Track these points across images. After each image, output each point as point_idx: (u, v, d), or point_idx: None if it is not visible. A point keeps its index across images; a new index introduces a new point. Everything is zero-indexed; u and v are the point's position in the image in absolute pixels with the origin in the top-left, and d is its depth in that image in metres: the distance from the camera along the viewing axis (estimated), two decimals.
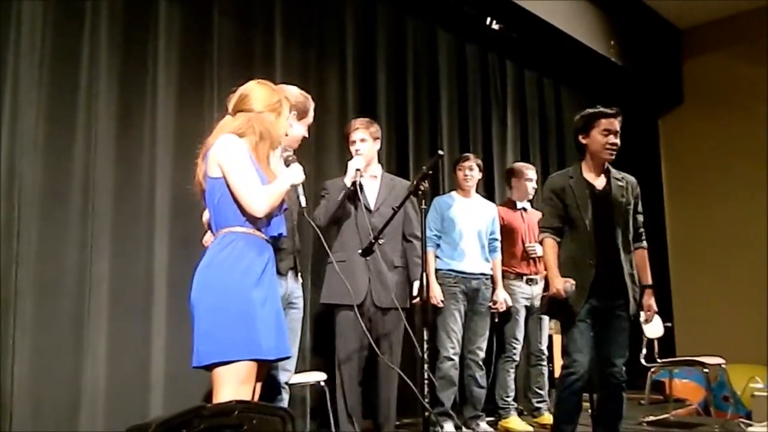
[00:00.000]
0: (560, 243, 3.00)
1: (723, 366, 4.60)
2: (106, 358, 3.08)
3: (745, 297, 6.07)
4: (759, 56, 6.36)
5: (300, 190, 2.37)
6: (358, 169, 3.26)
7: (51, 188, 3.01)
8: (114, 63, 3.27)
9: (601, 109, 3.02)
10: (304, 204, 2.40)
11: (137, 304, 3.23)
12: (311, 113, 2.83)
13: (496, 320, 4.16)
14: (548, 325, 4.39)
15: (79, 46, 3.17)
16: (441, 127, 5.07)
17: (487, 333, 4.02)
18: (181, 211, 3.36)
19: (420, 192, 2.64)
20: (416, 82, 4.93)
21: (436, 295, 3.75)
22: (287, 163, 2.33)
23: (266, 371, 2.23)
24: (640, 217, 3.10)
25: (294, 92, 2.78)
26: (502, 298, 4.08)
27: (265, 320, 2.04)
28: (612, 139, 2.96)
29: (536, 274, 4.22)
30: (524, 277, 4.24)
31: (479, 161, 4.16)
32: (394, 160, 4.57)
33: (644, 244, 3.10)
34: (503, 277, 4.16)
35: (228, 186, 2.08)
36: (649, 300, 3.04)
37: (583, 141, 3.02)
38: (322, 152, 4.14)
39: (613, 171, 3.05)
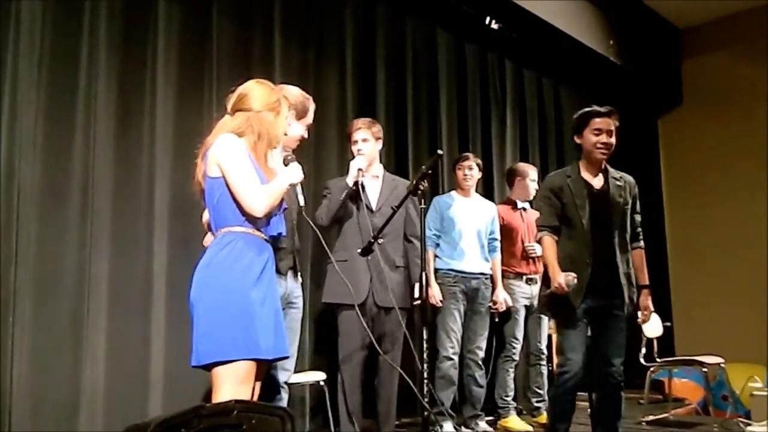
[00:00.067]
0: (558, 242, 3.00)
1: (722, 365, 4.61)
2: (105, 357, 3.08)
3: (745, 297, 6.07)
4: (759, 56, 6.36)
5: (299, 189, 2.38)
6: (360, 169, 3.27)
7: (50, 188, 3.01)
8: (113, 63, 3.27)
9: (594, 108, 3.03)
10: (302, 203, 2.41)
11: (136, 303, 3.23)
12: (311, 114, 2.83)
13: (496, 320, 4.17)
14: (548, 325, 4.39)
15: (78, 46, 3.16)
16: (440, 127, 5.07)
17: (487, 332, 4.03)
18: (181, 211, 3.36)
19: (419, 191, 2.64)
20: (415, 82, 4.93)
21: (435, 294, 3.76)
22: (286, 163, 2.33)
23: (265, 371, 2.23)
24: (638, 217, 3.10)
25: (294, 92, 2.78)
26: (502, 298, 4.08)
27: (264, 320, 2.05)
28: (604, 138, 2.96)
29: (536, 273, 4.22)
30: (524, 277, 4.24)
31: (479, 161, 4.17)
32: (393, 160, 4.57)
33: (642, 244, 3.10)
34: (503, 276, 4.16)
35: (227, 185, 2.08)
36: (646, 300, 3.04)
37: (578, 141, 3.04)
38: (321, 152, 4.14)
39: (612, 170, 3.05)
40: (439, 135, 5.05)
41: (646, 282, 3.07)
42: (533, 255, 4.20)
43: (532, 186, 4.31)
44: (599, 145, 2.96)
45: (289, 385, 2.74)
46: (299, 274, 2.81)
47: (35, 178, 2.96)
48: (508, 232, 4.24)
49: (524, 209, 4.34)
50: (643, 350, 4.56)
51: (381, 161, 3.57)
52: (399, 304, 3.29)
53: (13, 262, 2.84)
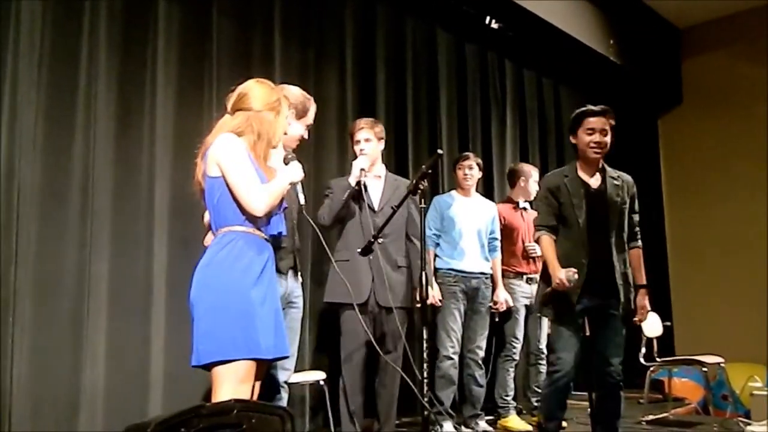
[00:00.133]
0: (555, 241, 3.00)
1: (722, 365, 4.61)
2: (105, 357, 3.08)
3: (745, 296, 6.07)
4: (758, 56, 6.36)
5: (299, 188, 2.37)
6: (362, 169, 3.27)
7: (50, 188, 3.01)
8: (113, 63, 3.27)
9: (587, 108, 3.04)
10: (303, 202, 2.40)
11: (136, 303, 3.23)
12: (311, 114, 2.83)
13: (497, 320, 4.17)
14: (548, 324, 4.39)
15: (78, 46, 3.16)
16: (440, 127, 5.07)
17: (487, 332, 4.03)
18: (181, 211, 3.36)
19: (419, 191, 2.65)
20: (415, 82, 4.93)
21: (434, 295, 3.75)
22: (286, 162, 2.33)
23: (265, 370, 2.24)
24: (636, 217, 3.09)
25: (295, 92, 2.78)
26: (502, 298, 4.08)
27: (264, 319, 2.05)
28: (597, 137, 2.96)
29: (536, 273, 4.21)
30: (524, 276, 4.24)
31: (479, 160, 4.17)
32: (393, 160, 4.57)
33: (639, 243, 3.10)
34: (503, 276, 4.17)
35: (227, 185, 2.08)
36: (643, 300, 3.04)
37: (573, 141, 3.06)
38: (321, 152, 4.14)
39: (609, 170, 3.05)
40: (439, 135, 5.05)
41: (644, 282, 3.06)
42: (534, 255, 4.20)
43: (534, 187, 4.31)
44: (592, 145, 2.97)
45: (289, 384, 2.74)
46: (299, 273, 2.81)
47: (35, 178, 2.96)
48: (509, 232, 4.24)
49: (525, 209, 4.34)
50: (643, 350, 4.56)
51: (383, 161, 3.57)
52: (401, 304, 3.31)
53: (13, 261, 2.84)
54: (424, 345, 2.54)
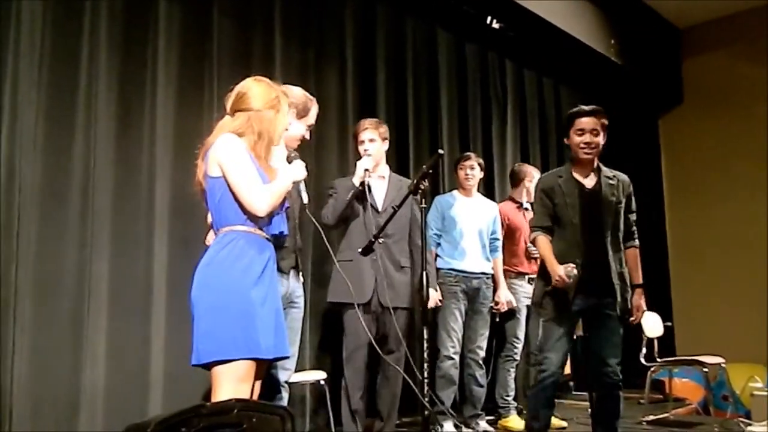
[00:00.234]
0: (551, 241, 3.00)
1: (722, 365, 4.61)
2: (105, 357, 3.08)
3: (745, 296, 6.07)
4: (759, 56, 6.36)
5: (302, 186, 2.36)
6: (366, 169, 3.27)
7: (50, 188, 3.00)
8: (113, 63, 3.27)
9: (578, 108, 3.05)
10: (306, 201, 2.39)
11: (137, 303, 3.23)
12: (313, 114, 2.83)
13: (497, 320, 4.17)
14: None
15: (79, 45, 3.16)
16: (441, 127, 5.07)
17: (487, 332, 4.03)
18: (181, 211, 3.36)
19: (420, 191, 2.65)
20: (416, 82, 4.93)
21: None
22: (289, 160, 2.33)
23: (265, 370, 2.23)
24: (633, 216, 3.09)
25: (297, 92, 2.78)
26: (503, 298, 4.08)
27: (265, 319, 2.05)
28: (587, 138, 2.96)
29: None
30: (526, 276, 4.24)
31: (480, 160, 4.17)
32: (394, 160, 4.57)
33: (636, 243, 3.09)
34: (505, 276, 4.16)
35: (228, 185, 2.08)
36: (639, 300, 3.02)
37: (566, 142, 3.07)
38: (321, 152, 4.14)
39: (605, 170, 3.05)
40: (440, 134, 5.05)
41: (640, 281, 3.05)
42: (535, 255, 4.20)
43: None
44: (582, 145, 2.97)
45: (290, 384, 2.74)
46: (301, 273, 2.81)
47: (36, 178, 2.96)
48: (511, 232, 4.24)
49: (527, 209, 4.34)
50: (644, 350, 4.56)
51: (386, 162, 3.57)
52: (403, 305, 3.31)
53: (13, 262, 2.84)
54: (425, 345, 2.54)
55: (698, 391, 5.33)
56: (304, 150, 3.15)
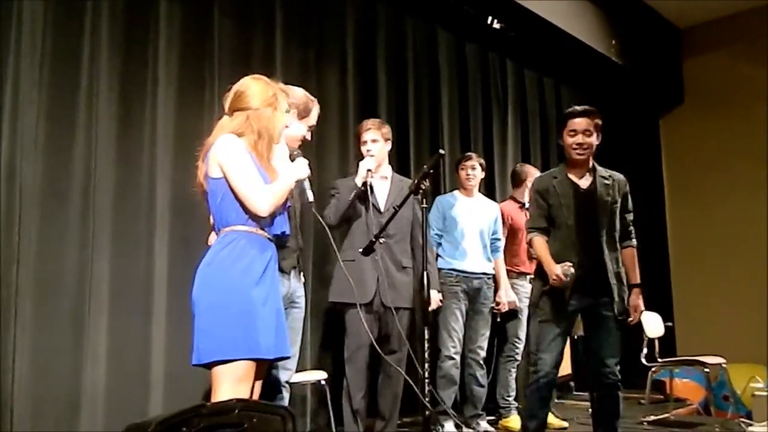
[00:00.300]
0: (547, 242, 3.00)
1: (723, 365, 4.61)
2: (106, 357, 3.08)
3: (746, 297, 6.06)
4: (759, 56, 6.36)
5: (306, 184, 2.34)
6: (369, 170, 3.27)
7: (51, 188, 3.01)
8: (114, 63, 3.27)
9: (571, 109, 3.06)
10: (311, 199, 2.36)
11: (137, 303, 3.23)
12: (314, 115, 2.82)
13: (499, 320, 4.16)
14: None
15: (80, 45, 3.16)
16: (442, 127, 5.07)
17: (488, 332, 4.02)
18: (182, 211, 3.36)
19: (421, 191, 2.65)
20: (417, 82, 4.93)
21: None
22: (292, 158, 2.32)
23: (266, 370, 2.23)
24: (629, 216, 3.08)
25: (298, 93, 2.77)
26: (504, 298, 4.07)
27: (266, 319, 2.04)
28: (579, 138, 2.96)
29: None
30: (527, 276, 4.23)
31: (482, 161, 4.17)
32: (395, 160, 4.56)
33: (633, 242, 3.08)
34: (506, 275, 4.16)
35: (229, 186, 2.08)
36: (637, 299, 3.01)
37: (561, 143, 3.07)
38: (322, 152, 4.14)
39: (600, 170, 3.05)
40: (441, 134, 5.05)
41: (638, 281, 3.04)
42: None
43: None
44: (575, 146, 2.97)
45: (291, 384, 2.74)
46: (302, 273, 2.81)
47: (36, 178, 2.96)
48: (513, 232, 4.24)
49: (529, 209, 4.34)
50: (645, 350, 4.56)
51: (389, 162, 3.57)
52: (405, 305, 3.31)
53: (14, 261, 2.84)
54: (426, 345, 2.54)
55: (699, 391, 5.32)
56: (305, 150, 3.14)
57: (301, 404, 3.78)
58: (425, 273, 2.59)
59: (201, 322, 2.02)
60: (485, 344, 4.01)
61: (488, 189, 5.07)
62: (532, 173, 4.39)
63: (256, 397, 2.12)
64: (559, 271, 2.84)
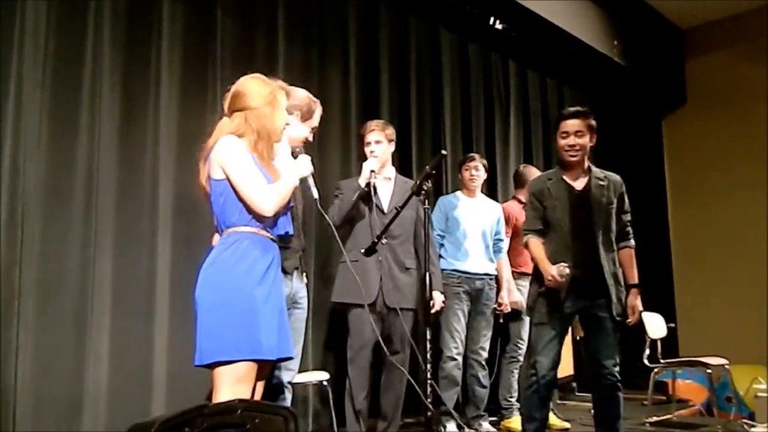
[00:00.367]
0: (544, 244, 3.01)
1: (726, 367, 4.60)
2: (108, 356, 3.08)
3: (749, 298, 6.05)
4: (762, 56, 6.36)
5: (311, 181, 2.31)
6: (372, 171, 3.28)
7: (54, 187, 3.01)
8: (117, 63, 3.28)
9: (564, 110, 3.07)
10: (316, 195, 2.32)
11: (140, 303, 3.23)
12: (317, 116, 2.82)
13: (501, 321, 4.16)
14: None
15: (83, 45, 3.17)
16: (444, 127, 5.07)
17: (490, 333, 4.02)
18: (184, 211, 3.37)
19: (423, 191, 2.64)
20: (419, 82, 4.93)
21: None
22: (294, 155, 2.32)
23: (269, 370, 2.23)
24: (626, 216, 3.07)
25: (301, 95, 2.77)
26: (506, 299, 4.07)
27: (268, 319, 2.04)
28: (571, 140, 2.96)
29: None
30: (530, 277, 4.22)
31: (484, 161, 4.17)
32: (397, 160, 4.56)
33: (631, 243, 3.07)
34: None
35: (232, 187, 2.08)
36: (634, 300, 3.00)
37: (556, 145, 3.08)
38: (324, 152, 4.13)
39: (596, 171, 3.05)
40: (443, 135, 5.05)
41: (635, 281, 3.04)
42: None
43: None
44: (567, 148, 2.98)
45: (293, 384, 2.74)
46: (305, 273, 2.81)
47: (39, 177, 2.96)
48: (517, 232, 4.23)
49: None
50: (647, 351, 4.55)
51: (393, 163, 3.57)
52: (408, 306, 3.31)
53: (17, 261, 2.84)
54: (428, 346, 2.54)
55: (701, 392, 5.31)
56: (307, 150, 3.14)
57: (303, 405, 3.78)
58: (427, 274, 2.58)
59: (203, 322, 2.02)
60: (487, 345, 4.01)
61: (490, 189, 5.07)
62: (535, 174, 4.39)
63: (258, 397, 2.12)
64: (555, 271, 2.84)
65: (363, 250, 2.88)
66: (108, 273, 3.13)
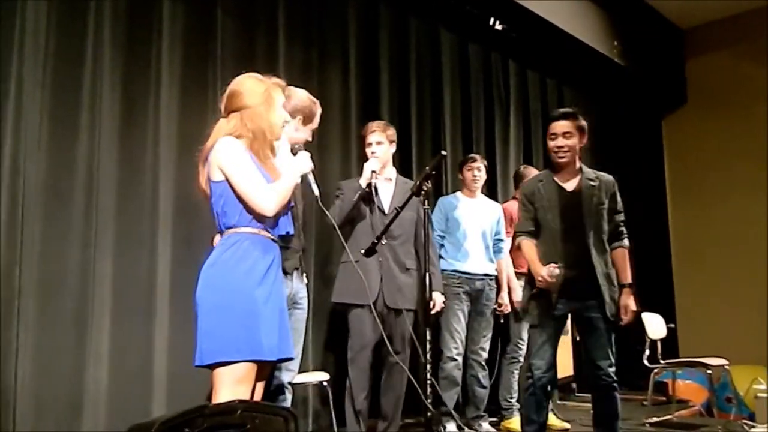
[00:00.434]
0: (536, 245, 3.01)
1: (726, 367, 4.60)
2: (108, 357, 3.08)
3: (750, 298, 6.05)
4: (762, 56, 6.36)
5: (311, 178, 2.29)
6: (373, 171, 3.28)
7: (54, 187, 3.01)
8: (117, 63, 3.28)
9: (551, 113, 3.09)
10: (317, 193, 2.30)
11: (140, 303, 3.23)
12: (317, 118, 2.83)
13: (502, 321, 4.16)
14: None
15: (83, 45, 3.17)
16: (444, 127, 5.07)
17: (491, 333, 4.02)
18: (185, 211, 3.37)
19: (423, 192, 2.65)
20: (419, 82, 4.93)
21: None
22: (294, 152, 2.31)
23: (269, 371, 2.23)
24: (619, 217, 3.07)
25: (302, 96, 2.77)
26: (507, 299, 4.07)
27: (269, 320, 2.04)
28: (559, 141, 2.98)
29: None
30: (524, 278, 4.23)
31: (485, 162, 4.18)
32: (397, 160, 4.56)
33: (625, 243, 3.07)
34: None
35: (232, 188, 2.07)
36: (627, 299, 2.97)
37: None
38: (324, 152, 4.13)
39: (588, 171, 3.05)
40: (443, 135, 5.05)
41: (628, 281, 3.02)
42: None
43: None
44: (555, 149, 2.99)
45: (293, 385, 2.74)
46: (305, 274, 2.81)
47: (40, 177, 2.96)
48: None
49: None
50: (647, 352, 4.55)
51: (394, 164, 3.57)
52: (408, 306, 3.31)
53: (17, 261, 2.84)
54: (427, 346, 2.54)
55: (702, 392, 5.31)
56: (307, 149, 3.15)
57: (303, 405, 3.78)
58: (427, 274, 2.59)
59: (204, 323, 2.02)
60: (487, 345, 4.01)
61: (490, 190, 5.07)
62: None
63: (258, 398, 2.12)
64: (545, 272, 2.85)
65: (363, 251, 2.88)
66: (108, 273, 3.13)
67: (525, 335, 4.19)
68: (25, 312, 2.84)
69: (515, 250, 4.19)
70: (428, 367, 2.51)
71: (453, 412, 3.83)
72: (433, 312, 3.16)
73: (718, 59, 6.75)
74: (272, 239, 2.14)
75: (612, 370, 2.92)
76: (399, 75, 4.78)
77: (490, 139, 5.47)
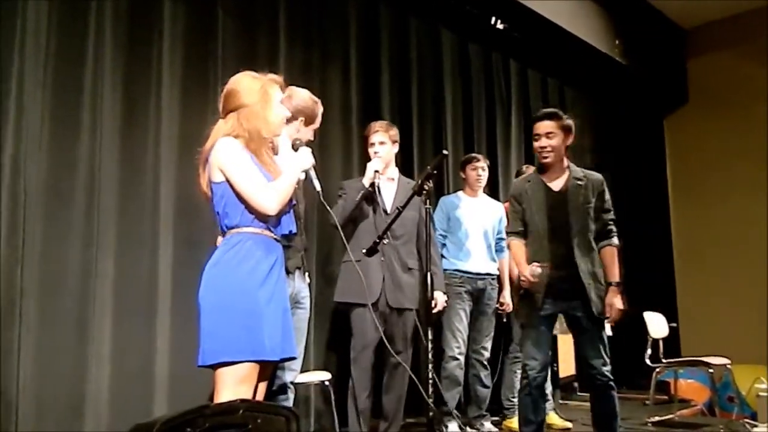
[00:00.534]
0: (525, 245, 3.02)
1: (728, 366, 4.59)
2: (110, 357, 3.08)
3: (752, 297, 6.04)
4: (763, 56, 6.35)
5: (312, 174, 2.28)
6: (376, 171, 3.29)
7: (56, 188, 3.01)
8: (118, 63, 3.28)
9: (535, 114, 3.10)
10: (319, 188, 2.28)
11: (141, 303, 3.23)
12: (319, 118, 2.83)
13: (504, 320, 4.16)
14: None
15: (84, 46, 3.17)
16: (445, 127, 5.07)
17: (492, 333, 4.02)
18: (186, 211, 3.36)
19: (424, 192, 2.65)
20: (420, 82, 4.93)
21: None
22: (295, 148, 2.31)
23: (271, 370, 2.23)
24: (607, 215, 3.06)
25: (304, 96, 2.77)
26: (508, 299, 4.07)
27: (271, 319, 2.04)
28: (543, 142, 2.99)
29: None
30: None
31: (488, 161, 4.18)
32: (398, 160, 4.56)
33: (614, 241, 3.05)
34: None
35: (233, 189, 2.07)
36: (613, 298, 2.95)
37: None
38: (324, 152, 4.13)
39: (576, 170, 3.05)
40: (444, 135, 5.05)
41: (616, 279, 3.01)
42: None
43: None
44: (539, 150, 3.01)
45: (295, 385, 2.74)
46: (307, 273, 2.80)
47: (41, 177, 2.96)
48: None
49: None
50: (649, 351, 4.55)
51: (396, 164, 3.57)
52: (411, 306, 3.31)
53: (18, 261, 2.84)
54: (429, 345, 2.54)
55: (703, 392, 5.31)
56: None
57: (305, 405, 3.78)
58: (428, 273, 2.58)
59: (206, 323, 2.02)
60: (489, 345, 4.01)
61: (492, 189, 5.06)
62: None
63: (260, 397, 2.12)
64: (528, 272, 2.86)
65: (364, 251, 2.88)
66: (110, 273, 3.13)
67: None
68: (26, 312, 2.84)
69: None
70: (430, 366, 2.51)
71: (455, 411, 3.83)
72: (435, 311, 3.16)
73: (719, 59, 6.74)
74: (275, 239, 2.13)
75: (607, 369, 2.91)
76: (400, 75, 4.78)
77: (492, 138, 5.47)
